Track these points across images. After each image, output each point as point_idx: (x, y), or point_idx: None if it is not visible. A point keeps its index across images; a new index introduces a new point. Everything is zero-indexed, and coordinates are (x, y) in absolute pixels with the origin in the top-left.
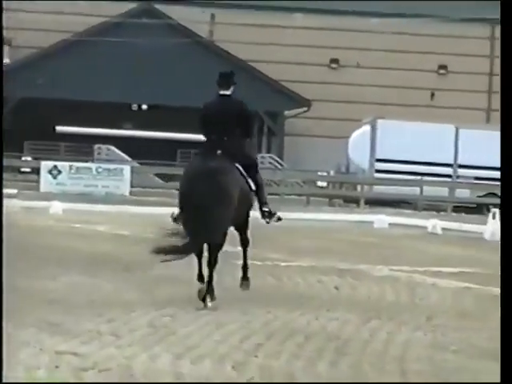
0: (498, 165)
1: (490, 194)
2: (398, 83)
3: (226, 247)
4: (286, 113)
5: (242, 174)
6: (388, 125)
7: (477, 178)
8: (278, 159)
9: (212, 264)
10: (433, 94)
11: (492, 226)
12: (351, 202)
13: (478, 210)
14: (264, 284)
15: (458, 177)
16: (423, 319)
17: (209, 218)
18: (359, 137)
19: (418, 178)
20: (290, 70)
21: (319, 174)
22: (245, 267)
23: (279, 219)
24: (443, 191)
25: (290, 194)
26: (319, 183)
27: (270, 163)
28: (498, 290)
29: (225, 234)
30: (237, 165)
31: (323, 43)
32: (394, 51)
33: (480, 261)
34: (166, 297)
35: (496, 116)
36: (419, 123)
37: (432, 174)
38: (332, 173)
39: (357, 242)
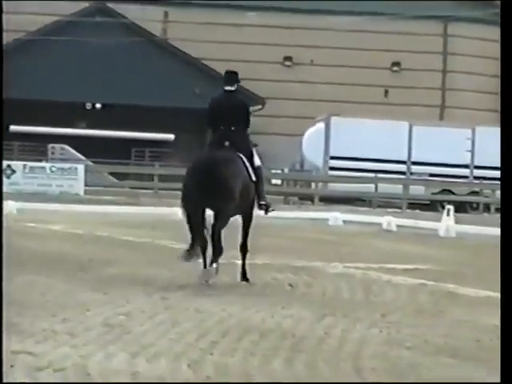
0: (452, 161)
1: (445, 190)
2: (351, 80)
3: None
4: None
5: (244, 164)
6: (342, 122)
7: (431, 175)
8: None
9: (215, 235)
10: (386, 91)
11: (446, 223)
12: (306, 199)
13: (432, 206)
14: (219, 282)
15: (412, 174)
16: (378, 316)
17: (216, 186)
18: (313, 134)
19: (373, 175)
20: (243, 68)
21: (274, 171)
22: (243, 270)
23: (272, 210)
24: (397, 188)
25: None
26: (274, 181)
27: None
28: (453, 287)
29: (230, 209)
30: (241, 155)
31: (277, 41)
32: (348, 48)
33: (435, 257)
34: (120, 296)
35: (449, 113)
36: (373, 120)
37: (386, 171)
38: (286, 170)
39: (311, 240)
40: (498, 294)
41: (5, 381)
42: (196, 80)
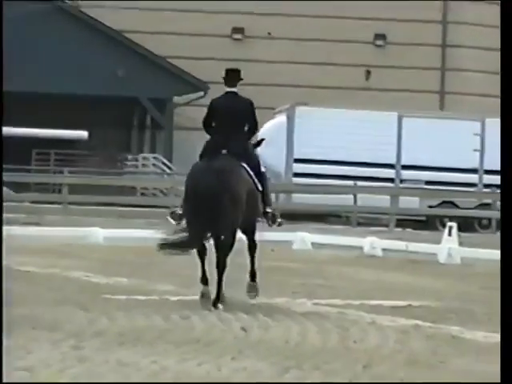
0: (455, 164)
1: (445, 202)
2: (321, 58)
3: None
4: (176, 99)
5: (248, 173)
6: (310, 114)
7: (427, 183)
8: (164, 160)
9: (220, 265)
10: (368, 72)
11: (448, 246)
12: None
13: (429, 224)
14: (149, 325)
15: (402, 181)
16: (359, 368)
17: (216, 212)
18: (272, 130)
19: (351, 183)
20: (180, 43)
21: None
22: (252, 272)
23: (280, 225)
24: (384, 200)
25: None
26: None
27: (155, 165)
28: (456, 329)
29: (234, 235)
30: (243, 164)
31: (223, 8)
32: (316, 17)
33: (433, 291)
34: (19, 345)
35: (451, 99)
36: (351, 111)
37: (369, 177)
38: None
39: (271, 268)
40: None
41: (5, 381)
42: (118, 59)
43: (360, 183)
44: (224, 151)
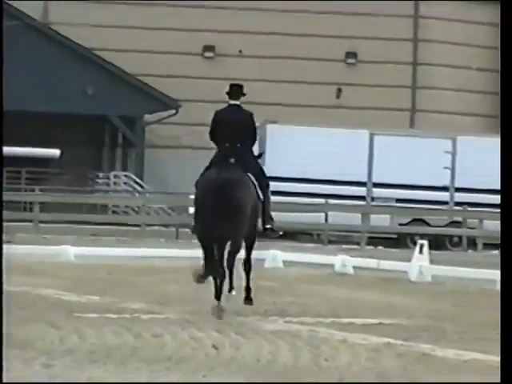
0: (426, 182)
1: (416, 220)
2: (292, 76)
3: None
4: (147, 117)
5: (253, 183)
6: (280, 131)
7: (398, 201)
8: (136, 178)
9: (230, 263)
10: (339, 90)
11: (419, 263)
12: None
13: (400, 242)
14: (120, 343)
15: (373, 199)
16: None
17: (228, 220)
18: None
19: (322, 200)
20: (151, 60)
21: (192, 197)
22: (247, 288)
23: (280, 236)
24: (355, 218)
25: (154, 225)
26: (192, 210)
27: (126, 184)
28: (428, 347)
29: (241, 241)
30: (249, 174)
31: (195, 26)
32: (288, 34)
33: (404, 309)
34: None
35: (422, 117)
36: (321, 129)
37: (339, 195)
38: None
39: (240, 286)
40: (487, 357)
41: (5, 381)
42: (88, 77)
43: (331, 201)
44: (232, 160)
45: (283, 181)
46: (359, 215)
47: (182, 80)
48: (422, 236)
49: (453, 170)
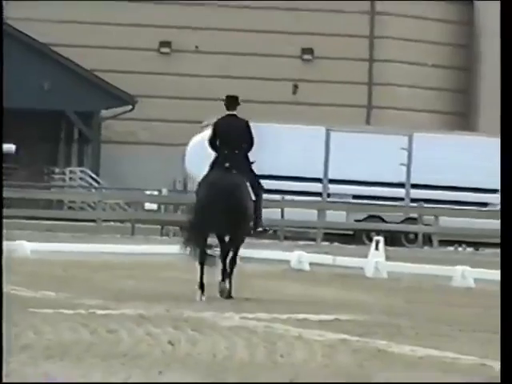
0: (381, 179)
1: (372, 217)
2: (249, 72)
3: None
4: (103, 113)
5: (247, 187)
6: None
7: (354, 197)
8: (92, 174)
9: (232, 264)
10: (296, 87)
11: (375, 260)
12: None
13: (356, 238)
14: (76, 339)
15: (329, 195)
16: (286, 382)
17: (232, 219)
18: (200, 144)
19: (278, 197)
20: (107, 56)
21: (148, 193)
22: (229, 281)
23: (267, 232)
24: (311, 214)
25: (110, 220)
26: (148, 205)
27: (82, 179)
28: (383, 344)
29: (243, 239)
30: (244, 178)
31: (151, 21)
32: (244, 31)
33: (360, 305)
34: None
35: (378, 114)
36: (277, 125)
37: (296, 191)
38: (165, 192)
39: (197, 282)
40: (442, 353)
41: (5, 381)
42: (44, 72)
43: (287, 197)
44: (227, 164)
45: None
46: (315, 211)
47: (138, 76)
48: (378, 232)
49: (409, 166)
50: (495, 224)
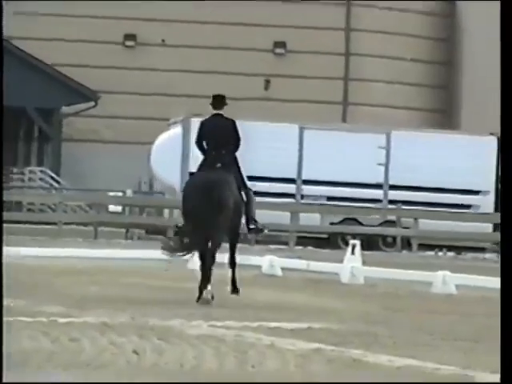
0: (358, 179)
1: (348, 219)
2: (218, 67)
3: None
4: (64, 109)
5: (236, 185)
6: None
7: (330, 198)
8: (52, 174)
9: (210, 262)
10: (267, 82)
11: (351, 265)
12: (156, 233)
13: (331, 242)
14: (36, 347)
15: (303, 197)
16: None
17: (210, 221)
18: (167, 143)
19: None
20: (69, 49)
21: (111, 194)
22: (233, 281)
23: (262, 231)
24: (283, 217)
25: (71, 223)
26: (111, 207)
27: (42, 180)
28: (359, 353)
29: (221, 238)
30: (232, 177)
31: (115, 13)
32: (213, 23)
33: (335, 312)
34: None
35: (355, 111)
36: (249, 122)
37: (268, 192)
38: (129, 193)
39: (165, 288)
40: (421, 363)
41: (5, 381)
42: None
43: (258, 199)
44: (218, 164)
45: None
46: (288, 214)
47: (101, 70)
48: (354, 236)
49: (387, 166)
50: (478, 227)
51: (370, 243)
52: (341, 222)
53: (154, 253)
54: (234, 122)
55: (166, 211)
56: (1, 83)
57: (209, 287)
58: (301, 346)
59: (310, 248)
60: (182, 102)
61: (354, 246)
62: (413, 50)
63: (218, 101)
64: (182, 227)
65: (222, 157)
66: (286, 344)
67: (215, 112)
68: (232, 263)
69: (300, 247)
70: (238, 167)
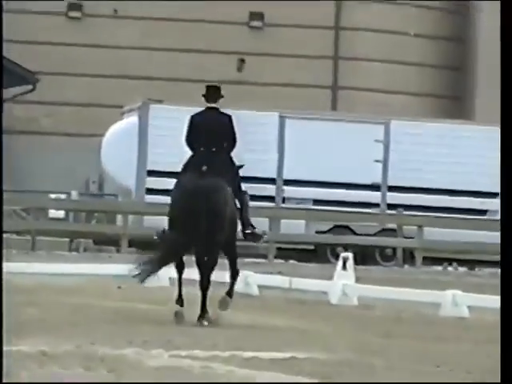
0: (351, 179)
1: (339, 227)
2: (181, 44)
3: None
4: None
5: (229, 192)
6: (168, 114)
7: (317, 202)
8: None
9: (205, 286)
10: (242, 61)
11: (342, 282)
12: (107, 243)
13: (318, 254)
14: None
15: (284, 199)
16: None
17: (203, 233)
18: (120, 135)
19: None
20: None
21: (53, 197)
22: (231, 288)
23: (261, 239)
24: (260, 223)
25: (5, 232)
26: (53, 213)
27: None
28: None
29: (217, 255)
30: (225, 183)
31: None
32: None
33: (323, 339)
34: None
35: (346, 96)
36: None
37: None
38: (75, 195)
39: (118, 310)
40: None
41: (5, 381)
42: None
43: None
44: (204, 168)
45: (170, 176)
46: (266, 220)
47: (40, 47)
48: (346, 247)
49: (385, 163)
50: (495, 237)
51: (365, 256)
52: (330, 231)
53: (104, 267)
54: (230, 118)
55: (120, 217)
56: (1, 82)
57: (209, 313)
58: (282, 379)
59: (292, 262)
60: (138, 86)
61: (345, 260)
62: (417, 22)
63: (212, 92)
64: (165, 235)
65: (214, 157)
66: (264, 378)
67: (208, 105)
68: (234, 276)
69: (281, 261)
70: (235, 169)
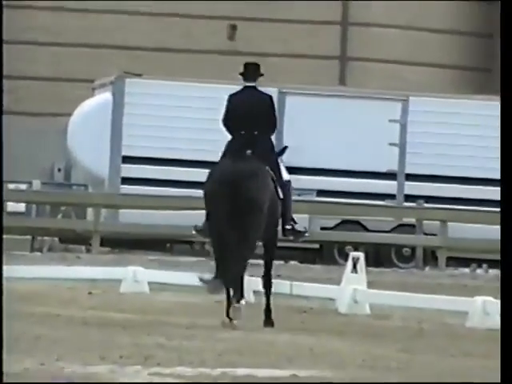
0: (361, 166)
1: (347, 222)
2: (163, 7)
3: None
4: None
5: (272, 178)
6: (145, 89)
7: (322, 193)
8: None
9: (240, 270)
10: (233, 28)
11: (352, 286)
12: (75, 241)
13: (324, 253)
14: None
15: None
16: None
17: (241, 229)
18: (91, 114)
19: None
20: None
21: (11, 187)
22: (268, 309)
23: (303, 236)
24: None
25: None
26: (11, 206)
27: None
28: None
29: (253, 247)
30: (267, 168)
31: None
32: None
33: (330, 354)
34: None
35: (356, 68)
36: (208, 85)
37: None
38: (37, 184)
39: (90, 320)
40: None
41: (5, 381)
42: None
43: None
44: (249, 152)
45: (149, 162)
46: None
47: None
48: (357, 246)
49: (403, 147)
50: None
51: (378, 256)
52: (337, 226)
53: (72, 270)
54: (271, 98)
55: (90, 211)
56: (1, 81)
57: (242, 301)
58: None
59: (294, 263)
60: (112, 56)
61: (355, 261)
62: None
63: (251, 70)
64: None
65: (255, 139)
66: None
67: (247, 84)
68: (267, 282)
69: (280, 262)
70: (274, 154)
